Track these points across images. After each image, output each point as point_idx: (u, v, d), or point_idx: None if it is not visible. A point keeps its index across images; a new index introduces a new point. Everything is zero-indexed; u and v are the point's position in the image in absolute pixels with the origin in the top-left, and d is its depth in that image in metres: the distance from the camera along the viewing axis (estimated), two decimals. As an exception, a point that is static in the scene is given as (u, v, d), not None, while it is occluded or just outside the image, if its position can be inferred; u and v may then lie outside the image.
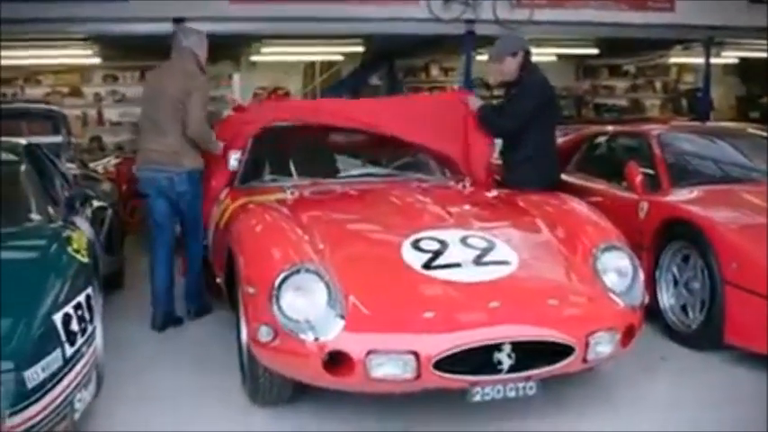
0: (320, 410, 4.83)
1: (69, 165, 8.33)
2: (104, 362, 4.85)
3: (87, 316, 4.23)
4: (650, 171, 6.89)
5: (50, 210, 5.51)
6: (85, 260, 4.66)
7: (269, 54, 15.05)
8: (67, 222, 5.48)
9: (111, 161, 11.79)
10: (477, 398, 4.34)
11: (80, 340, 4.06)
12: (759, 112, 17.95)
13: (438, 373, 4.23)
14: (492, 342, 4.27)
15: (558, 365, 4.43)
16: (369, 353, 4.22)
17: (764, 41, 13.14)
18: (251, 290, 4.60)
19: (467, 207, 5.90)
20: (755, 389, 5.16)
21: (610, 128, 8.82)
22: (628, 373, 5.34)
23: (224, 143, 6.80)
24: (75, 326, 4.04)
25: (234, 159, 6.69)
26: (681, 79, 20.04)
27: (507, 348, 4.26)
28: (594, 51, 16.26)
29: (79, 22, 10.72)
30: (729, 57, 16.37)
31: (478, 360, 4.27)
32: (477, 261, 4.72)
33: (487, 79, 13.69)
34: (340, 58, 16.46)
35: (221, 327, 6.24)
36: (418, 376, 4.23)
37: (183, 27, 7.09)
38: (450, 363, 4.23)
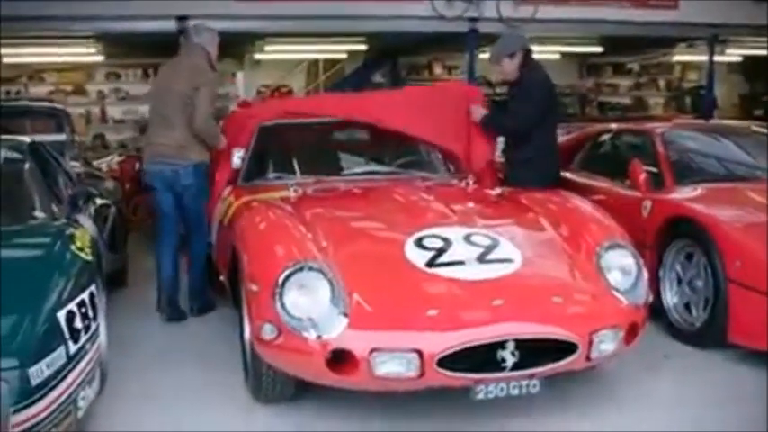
0: (323, 409, 4.83)
1: (73, 163, 8.32)
2: (108, 359, 4.86)
3: (91, 313, 4.23)
4: (654, 169, 6.88)
5: (54, 208, 5.52)
6: (89, 258, 4.66)
7: (272, 52, 15.05)
8: (71, 220, 5.48)
9: (115, 159, 11.77)
10: (481, 396, 4.34)
11: (84, 338, 4.06)
12: (763, 110, 17.92)
13: (441, 370, 4.23)
14: (495, 340, 4.27)
15: (561, 363, 4.42)
16: (372, 351, 4.22)
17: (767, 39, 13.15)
18: (254, 287, 4.60)
19: (470, 205, 5.90)
20: (759, 387, 5.15)
21: (613, 126, 8.81)
22: (631, 371, 5.34)
23: (228, 139, 6.84)
24: (78, 323, 4.05)
25: (237, 157, 6.70)
26: (684, 77, 20.04)
27: (511, 346, 4.26)
28: (598, 49, 16.26)
29: (83, 20, 10.73)
30: (733, 55, 16.34)
31: (482, 358, 4.27)
32: (481, 259, 4.71)
33: (490, 77, 13.68)
34: (343, 56, 16.48)
35: (224, 324, 6.24)
36: (422, 374, 4.23)
37: (195, 24, 7.16)
38: (453, 361, 4.23)
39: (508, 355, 4.26)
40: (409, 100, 7.66)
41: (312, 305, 4.36)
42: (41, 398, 3.67)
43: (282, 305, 4.34)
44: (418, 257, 4.71)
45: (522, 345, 4.28)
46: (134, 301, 7.20)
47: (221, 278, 6.26)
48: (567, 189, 6.48)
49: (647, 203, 6.56)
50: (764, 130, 7.89)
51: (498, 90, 12.52)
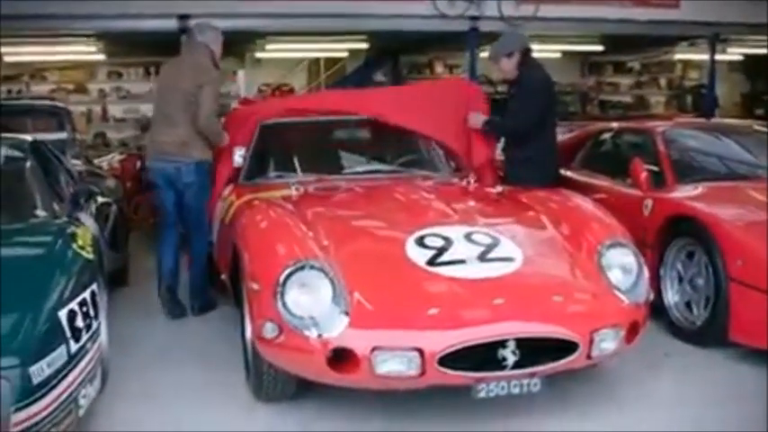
0: (324, 408, 4.83)
1: (74, 161, 8.32)
2: (109, 358, 4.86)
3: (92, 312, 4.23)
4: (655, 168, 6.88)
5: (55, 206, 5.51)
6: (90, 257, 4.67)
7: (273, 50, 15.05)
8: (72, 219, 5.48)
9: (116, 157, 11.78)
10: (482, 394, 4.34)
11: (85, 336, 4.06)
12: (764, 108, 17.93)
13: (442, 369, 4.23)
14: (496, 339, 4.27)
15: (562, 362, 4.42)
16: (373, 349, 4.22)
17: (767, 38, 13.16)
18: (255, 286, 4.60)
19: (471, 203, 5.91)
20: (759, 386, 5.15)
21: (614, 125, 8.81)
22: (632, 370, 5.34)
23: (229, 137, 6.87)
24: (80, 322, 4.05)
25: (239, 155, 6.70)
26: (686, 76, 20.04)
27: (512, 345, 4.26)
28: (599, 48, 16.23)
29: (84, 19, 10.73)
30: (734, 53, 16.35)
31: (483, 357, 4.27)
32: (482, 257, 4.71)
33: (492, 76, 13.69)
34: (344, 54, 16.47)
35: (225, 323, 6.25)
36: (423, 373, 4.23)
37: (199, 23, 7.20)
38: (454, 359, 4.23)
39: (509, 354, 4.26)
40: (410, 96, 7.76)
41: (313, 304, 4.35)
42: (42, 397, 3.67)
43: (284, 304, 4.34)
44: (419, 256, 4.71)
45: (522, 343, 4.28)
46: (135, 300, 7.20)
47: (222, 277, 6.27)
48: (568, 187, 6.49)
49: (649, 202, 6.57)
50: (765, 129, 7.89)
51: (500, 89, 12.52)
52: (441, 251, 4.74)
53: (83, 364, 4.02)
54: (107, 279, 5.41)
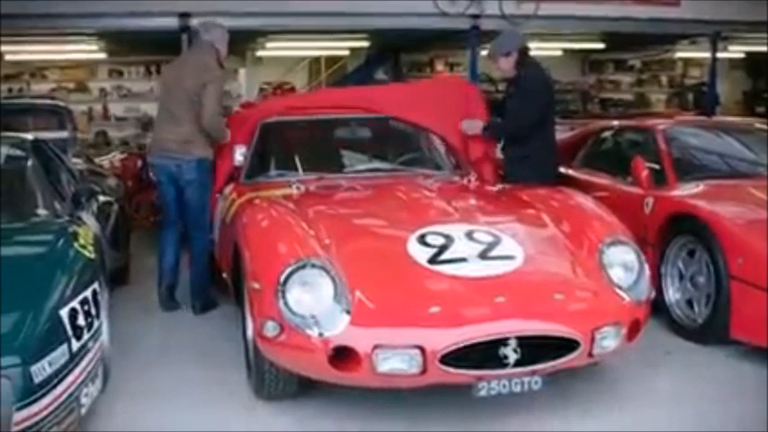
0: (325, 407, 4.84)
1: (75, 160, 8.33)
2: (110, 357, 4.86)
3: (93, 311, 4.23)
4: (656, 166, 6.89)
5: (57, 205, 5.52)
6: (92, 255, 4.67)
7: (274, 49, 15.06)
8: (74, 218, 5.49)
9: (117, 156, 11.78)
10: (483, 392, 4.34)
11: (86, 335, 4.07)
12: (765, 106, 17.91)
13: (444, 367, 4.23)
14: (498, 337, 4.27)
15: (563, 360, 4.43)
16: (375, 348, 4.22)
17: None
18: (256, 285, 4.61)
19: (472, 202, 5.92)
20: (761, 384, 5.15)
21: (615, 123, 8.82)
22: (633, 368, 5.34)
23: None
24: (81, 321, 4.05)
25: (239, 154, 6.71)
26: (687, 74, 20.04)
27: (513, 343, 4.26)
28: (600, 46, 16.23)
29: (85, 18, 10.72)
30: (736, 51, 16.35)
31: (484, 355, 4.27)
32: (483, 256, 4.71)
33: (493, 74, 13.69)
34: (345, 53, 16.47)
35: (227, 322, 6.25)
36: (424, 371, 4.23)
37: (205, 21, 7.26)
38: (455, 358, 4.23)
39: (510, 352, 4.26)
40: (409, 92, 7.82)
41: (315, 302, 4.36)
42: (44, 395, 3.67)
43: (285, 303, 4.34)
44: (421, 254, 4.71)
45: (524, 341, 4.28)
46: (136, 298, 7.20)
47: (223, 275, 6.28)
48: (570, 186, 6.50)
49: (650, 200, 6.57)
50: (766, 127, 7.89)
51: (501, 87, 12.52)
52: (442, 249, 4.74)
53: (84, 362, 4.02)
54: (108, 278, 5.40)
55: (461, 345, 4.22)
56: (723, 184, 6.59)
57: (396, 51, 17.16)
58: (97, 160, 10.49)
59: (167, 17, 10.70)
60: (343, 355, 4.28)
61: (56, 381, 3.75)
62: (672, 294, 6.23)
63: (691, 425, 4.65)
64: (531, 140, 6.94)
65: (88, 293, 4.25)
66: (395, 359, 4.23)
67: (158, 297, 7.01)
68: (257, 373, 4.88)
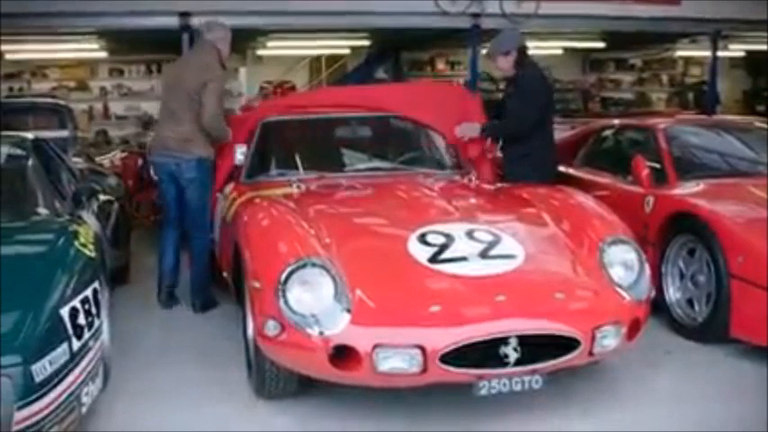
0: (326, 406, 4.84)
1: (76, 159, 8.34)
2: (111, 356, 4.86)
3: (94, 310, 4.23)
4: (656, 165, 6.88)
5: (57, 204, 5.52)
6: (92, 254, 4.66)
7: (275, 48, 15.07)
8: (74, 217, 5.50)
9: (117, 155, 11.79)
10: (484, 391, 4.34)
11: (87, 334, 4.07)
12: (765, 105, 17.91)
13: (444, 366, 4.23)
14: (498, 336, 4.27)
15: (564, 359, 4.43)
16: (375, 347, 4.22)
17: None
18: (257, 284, 4.61)
19: (473, 201, 5.93)
20: (761, 383, 5.15)
21: (616, 122, 8.82)
22: (633, 367, 5.34)
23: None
24: (82, 320, 4.05)
25: (240, 153, 6.71)
26: (687, 73, 20.05)
27: (513, 342, 4.26)
28: (601, 45, 16.25)
29: (86, 17, 10.73)
30: (736, 50, 16.35)
31: (484, 354, 4.27)
32: (484, 255, 4.71)
33: (493, 73, 13.70)
34: (346, 51, 16.47)
35: (227, 321, 6.25)
36: (424, 370, 4.23)
37: (209, 21, 7.28)
38: (456, 357, 4.23)
39: (511, 351, 4.26)
40: (409, 91, 7.90)
41: (315, 301, 4.36)
42: (45, 394, 3.67)
43: (285, 302, 4.34)
44: (421, 253, 4.71)
45: (524, 340, 4.28)
46: (137, 297, 7.19)
47: (224, 274, 6.28)
48: (570, 185, 6.50)
49: (650, 199, 6.57)
50: (767, 126, 7.89)
51: (501, 86, 12.54)
52: (442, 248, 4.74)
53: (85, 361, 4.02)
54: (109, 277, 5.40)
55: (462, 344, 4.22)
56: (723, 183, 6.59)
57: (396, 50, 17.16)
58: (98, 159, 10.50)
59: (168, 16, 10.72)
60: (343, 355, 4.28)
61: (56, 380, 3.75)
62: (672, 293, 6.23)
63: (691, 424, 4.64)
64: (531, 139, 6.94)
65: (89, 292, 4.25)
66: (395, 358, 4.23)
67: (158, 295, 7.04)
68: (258, 372, 4.88)
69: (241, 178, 6.64)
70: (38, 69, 16.71)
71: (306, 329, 4.31)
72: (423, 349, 4.20)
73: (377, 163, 6.91)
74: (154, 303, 6.96)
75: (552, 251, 5.00)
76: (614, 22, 12.47)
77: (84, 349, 4.02)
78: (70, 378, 3.86)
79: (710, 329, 5.79)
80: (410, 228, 4.96)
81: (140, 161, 10.26)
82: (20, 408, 3.56)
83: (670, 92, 20.11)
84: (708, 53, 14.29)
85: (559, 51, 16.59)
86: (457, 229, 4.94)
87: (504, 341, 4.26)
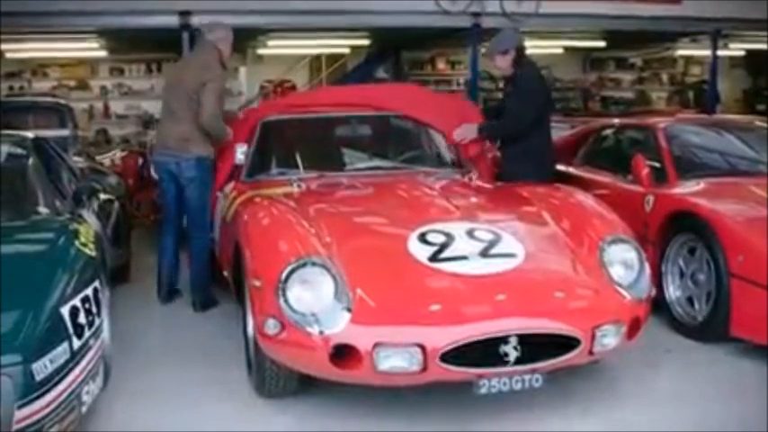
0: (326, 404, 4.84)
1: (76, 158, 8.34)
2: (111, 355, 4.86)
3: (94, 309, 4.23)
4: (656, 164, 6.88)
5: (58, 203, 5.53)
6: (93, 253, 4.66)
7: (275, 47, 15.07)
8: (75, 216, 5.50)
9: (118, 154, 11.78)
10: (484, 390, 4.34)
11: (87, 333, 4.07)
12: (766, 104, 17.91)
13: (444, 365, 4.23)
14: (498, 335, 4.27)
15: (564, 358, 4.43)
16: (375, 345, 4.22)
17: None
18: (257, 283, 4.61)
19: (473, 200, 5.92)
20: (761, 381, 5.15)
21: (616, 121, 8.82)
22: (633, 366, 5.34)
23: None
24: (82, 319, 4.05)
25: (240, 153, 6.71)
26: (687, 72, 20.05)
27: (514, 341, 4.26)
28: (601, 44, 16.26)
29: (86, 16, 10.74)
30: (736, 49, 16.35)
31: (484, 353, 4.27)
32: (484, 254, 4.71)
33: (493, 72, 13.71)
34: (346, 51, 16.46)
35: (227, 319, 6.25)
36: (425, 369, 4.23)
37: (210, 22, 7.38)
38: (456, 355, 4.23)
39: (511, 350, 4.26)
40: (409, 91, 7.94)
41: (315, 300, 4.36)
42: (45, 393, 3.67)
43: (286, 300, 4.35)
44: (421, 252, 4.71)
45: (524, 339, 4.29)
46: (137, 296, 7.20)
47: (224, 273, 6.28)
48: (570, 184, 6.51)
49: (650, 198, 6.57)
50: (767, 125, 7.89)
51: (501, 85, 12.55)
52: (443, 247, 4.74)
53: (85, 360, 4.02)
54: (109, 276, 5.40)
55: (462, 343, 4.22)
56: (723, 182, 6.59)
57: (396, 49, 17.16)
58: (98, 158, 10.50)
59: (168, 15, 10.73)
60: (343, 353, 4.28)
61: (57, 379, 3.75)
62: (672, 292, 6.23)
63: (691, 423, 4.64)
64: (530, 138, 6.95)
65: (89, 291, 4.25)
66: (395, 357, 4.23)
67: (158, 292, 7.11)
68: (258, 370, 4.88)
69: (241, 177, 6.64)
70: (38, 68, 16.73)
71: (306, 328, 4.31)
72: (423, 348, 4.21)
73: (377, 162, 6.91)
74: (154, 302, 6.98)
75: (552, 250, 5.00)
76: (614, 21, 12.49)
77: (85, 348, 4.02)
78: (71, 377, 3.86)
79: (710, 328, 5.79)
80: (410, 227, 4.96)
81: (140, 160, 10.26)
82: (20, 407, 3.56)
83: (670, 91, 20.11)
84: (708, 52, 14.29)
85: (560, 50, 16.60)
86: (457, 228, 4.94)
87: (504, 340, 4.26)
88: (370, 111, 7.24)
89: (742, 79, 19.70)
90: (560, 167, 7.83)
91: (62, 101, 10.91)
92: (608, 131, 8.42)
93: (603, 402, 4.91)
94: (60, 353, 3.80)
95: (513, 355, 4.26)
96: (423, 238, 4.82)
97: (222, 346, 5.84)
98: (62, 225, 4.95)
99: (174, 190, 6.90)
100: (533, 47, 13.62)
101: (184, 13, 10.60)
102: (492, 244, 4.81)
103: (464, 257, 4.66)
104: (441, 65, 18.77)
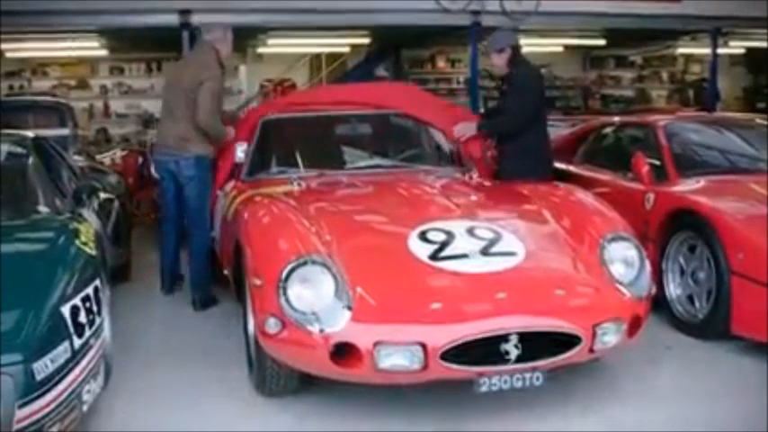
0: (326, 403, 4.84)
1: (76, 157, 8.34)
2: (112, 354, 4.86)
3: (95, 308, 4.23)
4: (657, 162, 6.88)
5: (58, 202, 5.53)
6: (93, 252, 4.66)
7: (275, 46, 15.07)
8: (75, 215, 5.49)
9: (118, 153, 11.79)
10: (484, 388, 4.34)
11: (88, 332, 4.07)
12: (766, 102, 17.91)
13: (445, 363, 4.23)
14: (499, 333, 4.27)
15: (564, 355, 4.43)
16: (376, 344, 4.22)
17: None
18: (258, 281, 4.61)
19: (473, 198, 5.92)
20: (762, 379, 5.14)
21: (616, 119, 8.82)
22: (634, 364, 5.33)
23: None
24: (83, 318, 4.05)
25: (240, 151, 6.71)
26: (687, 70, 20.06)
27: (514, 339, 4.26)
28: (601, 42, 16.26)
29: (86, 15, 10.75)
30: (736, 47, 16.35)
31: (485, 351, 4.27)
32: (484, 252, 4.71)
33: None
34: (346, 49, 16.46)
35: (228, 318, 6.25)
36: (425, 367, 4.23)
37: (208, 22, 7.51)
38: (456, 354, 4.23)
39: (511, 348, 4.26)
40: (408, 91, 7.99)
41: (316, 299, 4.36)
42: (46, 393, 3.67)
43: (286, 299, 4.35)
44: (422, 251, 4.71)
45: (525, 337, 4.28)
46: (138, 295, 7.21)
47: (225, 272, 6.28)
48: (571, 182, 6.51)
49: (650, 196, 6.57)
50: (767, 123, 7.88)
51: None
52: (443, 246, 4.74)
53: (86, 360, 4.02)
54: (110, 275, 5.40)
55: (462, 341, 4.22)
56: (724, 180, 6.60)
57: (397, 48, 17.16)
58: (98, 157, 10.51)
59: (168, 14, 10.73)
60: (344, 352, 4.28)
61: (58, 378, 3.75)
62: (673, 290, 6.23)
63: (692, 421, 4.64)
64: (528, 136, 6.96)
65: (90, 290, 4.25)
66: (396, 355, 4.23)
67: (161, 287, 7.28)
68: (259, 369, 4.88)
69: (242, 176, 6.64)
70: (38, 67, 16.71)
71: (306, 327, 4.31)
72: (423, 346, 4.20)
73: (377, 160, 6.92)
74: (155, 301, 6.99)
75: (553, 248, 5.00)
76: (614, 19, 12.49)
77: (86, 347, 4.02)
78: (71, 376, 3.86)
79: (711, 326, 5.79)
80: (411, 225, 4.96)
81: (141, 159, 10.27)
82: (21, 406, 3.56)
83: (670, 89, 20.11)
84: (708, 50, 14.30)
85: (560, 48, 16.60)
86: (457, 227, 4.94)
87: (504, 338, 4.26)
88: (370, 109, 7.25)
89: (742, 77, 19.70)
90: (561, 166, 7.83)
91: (62, 100, 10.93)
92: (608, 129, 8.41)
93: (604, 400, 4.91)
94: (61, 352, 3.80)
95: (513, 353, 4.26)
96: (423, 237, 4.82)
97: (223, 345, 5.84)
98: (62, 224, 4.95)
99: (173, 189, 6.95)
100: (533, 45, 13.68)
101: (184, 12, 10.60)
102: (492, 242, 4.81)
103: (465, 256, 4.66)
104: (441, 63, 18.77)
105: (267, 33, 14.06)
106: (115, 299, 5.47)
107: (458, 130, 7.10)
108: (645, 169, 6.72)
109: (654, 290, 4.99)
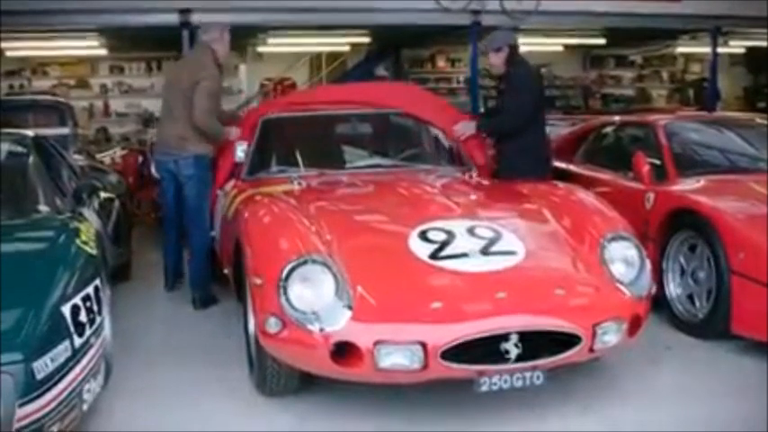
0: (327, 403, 4.84)
1: (76, 156, 8.34)
2: (112, 353, 4.85)
3: (95, 307, 4.23)
4: (657, 161, 6.88)
5: (58, 201, 5.52)
6: (93, 252, 4.66)
7: (275, 45, 15.07)
8: (75, 214, 5.49)
9: (118, 152, 11.79)
10: (485, 387, 4.34)
11: (88, 331, 4.07)
12: (766, 102, 17.91)
13: (445, 363, 4.23)
14: (499, 332, 4.27)
15: (565, 355, 4.42)
16: (376, 343, 4.22)
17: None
18: (258, 281, 4.61)
19: (473, 197, 5.92)
20: (762, 379, 5.14)
21: (616, 118, 8.82)
22: (634, 363, 5.33)
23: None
24: (83, 317, 4.05)
25: (240, 151, 6.72)
26: (687, 69, 20.08)
27: (514, 338, 4.26)
28: (601, 41, 16.26)
29: (86, 14, 10.75)
30: (736, 47, 16.35)
31: (485, 350, 4.27)
32: (484, 251, 4.71)
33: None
34: (346, 49, 16.46)
35: (228, 318, 6.25)
36: (425, 366, 4.23)
37: (207, 23, 7.54)
38: (457, 353, 4.23)
39: (512, 347, 4.26)
40: (408, 90, 7.99)
41: (316, 298, 4.36)
42: (46, 392, 3.67)
43: (287, 298, 4.35)
44: (422, 250, 4.71)
45: (525, 337, 4.28)
46: (138, 294, 7.22)
47: (225, 271, 6.28)
48: (571, 181, 6.51)
49: (651, 195, 6.57)
50: (767, 122, 7.88)
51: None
52: (443, 245, 4.74)
53: (86, 359, 4.03)
54: (110, 274, 5.41)
55: (463, 340, 4.22)
56: (724, 180, 6.60)
57: (397, 47, 17.17)
58: (98, 156, 10.51)
59: (168, 13, 10.73)
60: (344, 351, 4.28)
61: (58, 377, 3.75)
62: (673, 289, 6.23)
63: (692, 421, 4.63)
64: (526, 135, 6.96)
65: (90, 290, 4.25)
66: (396, 354, 4.23)
67: (165, 284, 7.38)
68: (259, 368, 4.88)
69: (242, 175, 6.65)
70: (38, 67, 16.73)
71: (307, 326, 4.31)
72: (424, 345, 4.20)
73: (377, 160, 6.92)
74: (155, 300, 7.00)
75: (553, 247, 5.00)
76: (614, 18, 12.49)
77: (86, 346, 4.02)
78: (72, 375, 3.87)
79: (711, 325, 5.79)
80: (411, 224, 4.95)
81: (141, 158, 10.27)
82: (21, 405, 3.56)
83: (670, 88, 20.14)
84: (708, 50, 14.30)
85: (560, 48, 16.61)
86: (458, 226, 4.94)
87: (504, 337, 4.26)
88: (370, 109, 7.25)
89: (742, 77, 19.71)
90: (561, 165, 7.83)
91: (62, 99, 10.92)
92: (608, 129, 8.41)
93: (604, 400, 4.91)
94: (61, 351, 3.80)
95: (513, 352, 4.26)
96: (423, 236, 4.82)
97: (223, 345, 5.84)
98: (63, 223, 4.95)
99: (174, 189, 6.97)
100: (534, 44, 13.67)
101: (184, 11, 10.60)
102: (493, 241, 4.81)
103: (465, 255, 4.66)
104: (441, 63, 18.78)
105: (267, 32, 14.07)
106: (115, 298, 5.47)
107: (457, 128, 7.10)
108: (645, 169, 6.72)
109: (654, 289, 4.99)
